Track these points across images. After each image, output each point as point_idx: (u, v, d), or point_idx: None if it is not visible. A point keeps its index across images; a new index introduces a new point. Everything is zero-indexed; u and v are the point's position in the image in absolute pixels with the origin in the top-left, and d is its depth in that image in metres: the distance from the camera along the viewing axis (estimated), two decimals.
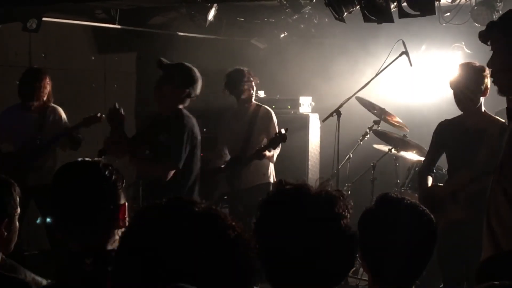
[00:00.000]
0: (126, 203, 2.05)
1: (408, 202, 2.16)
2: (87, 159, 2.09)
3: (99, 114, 5.42)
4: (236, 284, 1.35)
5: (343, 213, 1.79)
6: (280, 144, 5.38)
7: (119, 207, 2.01)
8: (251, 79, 5.60)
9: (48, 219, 2.28)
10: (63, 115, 5.66)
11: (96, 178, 2.00)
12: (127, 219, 2.03)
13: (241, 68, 5.64)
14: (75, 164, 2.09)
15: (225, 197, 5.60)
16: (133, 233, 1.39)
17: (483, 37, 2.72)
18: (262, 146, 5.38)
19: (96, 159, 2.13)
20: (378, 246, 2.08)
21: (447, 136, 4.40)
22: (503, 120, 4.09)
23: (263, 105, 5.71)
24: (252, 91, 5.63)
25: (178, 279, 1.28)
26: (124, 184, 2.05)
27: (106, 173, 2.01)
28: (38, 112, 5.56)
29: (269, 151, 5.36)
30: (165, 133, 4.24)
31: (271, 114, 5.65)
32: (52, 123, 5.57)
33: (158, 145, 4.23)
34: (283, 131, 5.23)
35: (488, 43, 2.73)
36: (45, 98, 5.57)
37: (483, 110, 4.25)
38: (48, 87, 5.56)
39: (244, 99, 5.62)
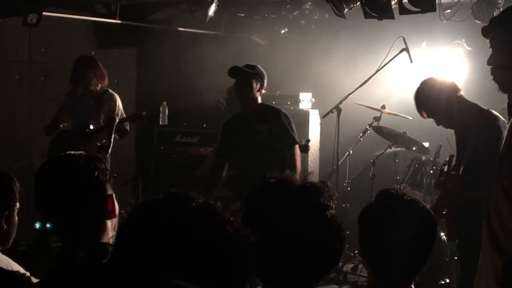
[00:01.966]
0: (113, 194, 2.02)
1: (408, 198, 2.17)
2: (77, 152, 2.07)
3: (144, 113, 5.70)
4: (233, 280, 1.35)
5: (328, 203, 1.78)
6: None
7: (106, 198, 1.99)
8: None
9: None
10: (118, 103, 5.84)
11: (77, 172, 1.97)
12: (116, 209, 2.02)
13: None
14: (56, 160, 2.07)
15: (219, 201, 5.40)
16: (130, 228, 1.39)
17: (486, 32, 2.71)
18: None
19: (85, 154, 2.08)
20: (378, 242, 2.08)
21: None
22: (488, 111, 3.87)
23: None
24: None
25: (174, 274, 1.28)
26: (108, 175, 2.01)
27: (88, 165, 1.98)
28: (95, 97, 5.79)
29: None
30: (266, 124, 4.84)
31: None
32: (106, 109, 5.75)
33: (259, 134, 4.84)
34: (303, 142, 5.21)
35: (488, 40, 2.72)
36: (98, 86, 5.77)
37: (466, 105, 3.97)
38: (93, 75, 5.73)
39: None
